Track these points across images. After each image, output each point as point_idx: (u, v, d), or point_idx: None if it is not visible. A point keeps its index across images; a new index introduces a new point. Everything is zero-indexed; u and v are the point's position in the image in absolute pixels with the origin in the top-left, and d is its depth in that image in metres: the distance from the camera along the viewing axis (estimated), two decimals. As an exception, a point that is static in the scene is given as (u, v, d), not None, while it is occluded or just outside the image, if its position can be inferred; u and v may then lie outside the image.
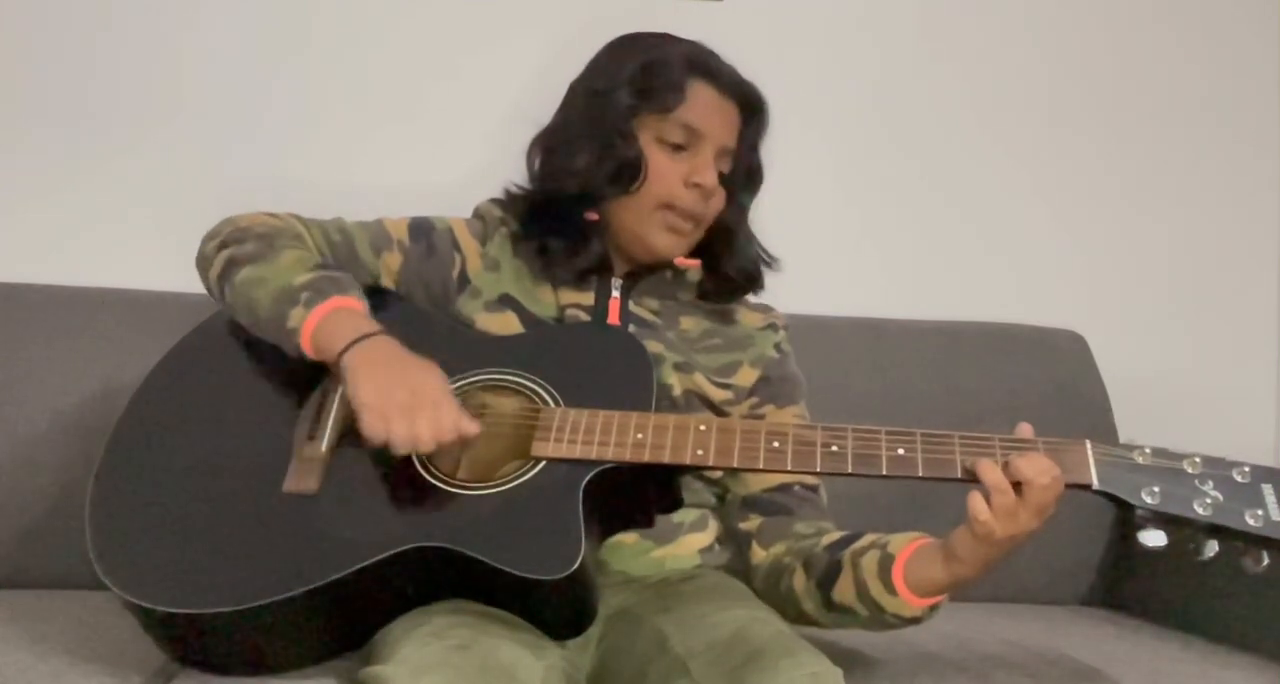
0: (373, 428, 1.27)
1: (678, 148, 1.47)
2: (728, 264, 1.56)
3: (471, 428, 1.29)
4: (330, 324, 1.33)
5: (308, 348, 1.35)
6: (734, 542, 1.52)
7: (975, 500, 1.22)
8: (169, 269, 1.76)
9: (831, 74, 2.22)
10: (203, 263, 1.47)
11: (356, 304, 1.37)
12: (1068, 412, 2.03)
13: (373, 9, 2.11)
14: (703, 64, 1.49)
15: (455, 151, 2.07)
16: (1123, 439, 2.04)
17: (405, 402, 1.27)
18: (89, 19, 2.03)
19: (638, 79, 1.47)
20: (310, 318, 1.34)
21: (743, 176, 1.54)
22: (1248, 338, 2.38)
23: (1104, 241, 2.33)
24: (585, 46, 1.55)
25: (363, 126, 2.10)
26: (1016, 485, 1.21)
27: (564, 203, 1.49)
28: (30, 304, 1.84)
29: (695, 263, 1.56)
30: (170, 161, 2.04)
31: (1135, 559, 1.94)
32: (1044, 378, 2.07)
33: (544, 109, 1.54)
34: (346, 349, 1.31)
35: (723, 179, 1.50)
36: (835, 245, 2.17)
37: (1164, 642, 1.73)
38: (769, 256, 1.58)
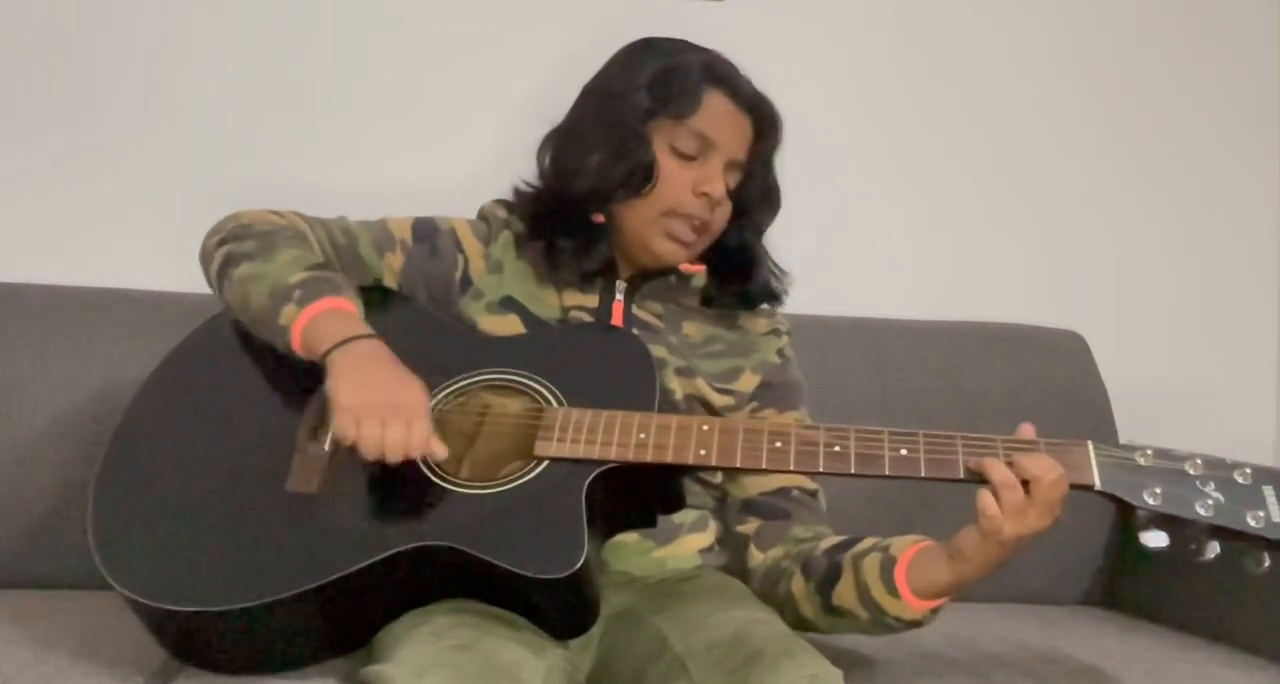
0: (343, 427, 1.27)
1: (689, 156, 1.46)
2: (749, 282, 1.55)
3: (440, 451, 1.28)
4: (321, 324, 1.33)
5: (297, 346, 1.35)
6: (732, 545, 1.52)
7: (984, 497, 1.23)
8: (169, 269, 1.76)
9: (831, 74, 2.23)
10: (204, 257, 1.47)
11: (349, 306, 1.37)
12: (1068, 412, 2.03)
13: (376, 8, 2.11)
14: (720, 74, 1.48)
15: (459, 153, 2.06)
16: (1123, 439, 2.04)
17: (380, 408, 1.26)
18: (90, 17, 2.03)
19: (655, 84, 1.47)
20: (301, 316, 1.34)
21: (759, 195, 1.54)
22: (1248, 338, 2.38)
23: (1104, 242, 2.33)
24: (588, 48, 1.54)
25: (367, 127, 2.10)
26: (1024, 484, 1.22)
27: (572, 202, 1.49)
28: (30, 304, 1.84)
29: (700, 269, 1.55)
30: (172, 161, 2.04)
31: (1135, 559, 1.94)
32: (1044, 378, 2.07)
33: (549, 110, 1.54)
34: (334, 348, 1.31)
35: (731, 192, 1.49)
36: (835, 245, 2.16)
37: (1164, 642, 1.73)
38: (780, 271, 1.58)
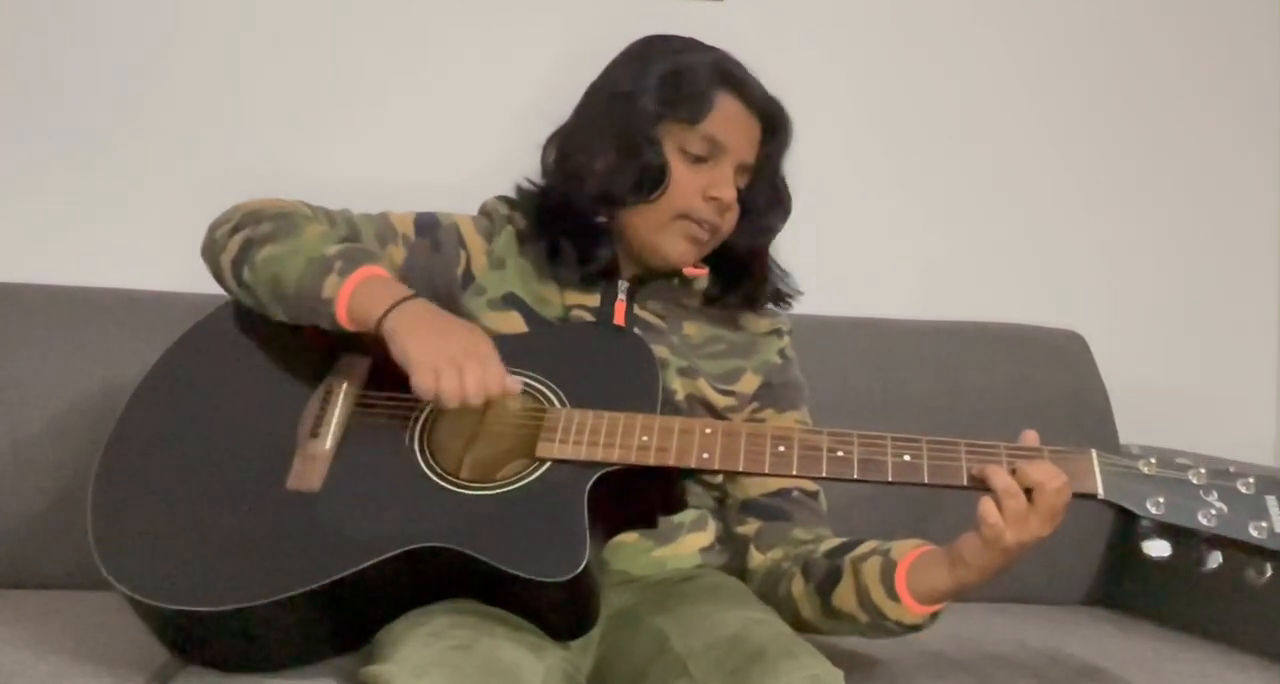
0: (424, 382, 1.27)
1: (699, 159, 1.45)
2: (755, 285, 1.55)
3: (515, 386, 1.31)
4: (366, 290, 1.32)
5: (343, 317, 1.33)
6: (732, 545, 1.52)
7: (986, 504, 1.22)
8: (169, 269, 1.76)
9: (831, 75, 2.22)
10: (212, 249, 1.44)
11: (386, 273, 1.36)
12: (1068, 412, 2.03)
13: (376, 4, 2.10)
14: (731, 76, 1.47)
15: (461, 150, 2.06)
16: (1123, 439, 2.05)
17: (454, 355, 1.27)
18: (85, 14, 2.02)
19: (664, 86, 1.45)
20: (346, 285, 1.32)
21: (766, 197, 1.52)
22: (1248, 338, 2.38)
23: (1104, 242, 2.33)
24: (589, 47, 1.53)
25: (369, 124, 2.09)
26: (1027, 492, 1.22)
27: (578, 204, 1.48)
28: (29, 304, 1.84)
29: (703, 272, 1.55)
30: (173, 161, 2.03)
31: (1135, 559, 1.94)
32: (1044, 378, 2.07)
33: (551, 108, 1.53)
34: (387, 313, 1.30)
35: (739, 195, 1.48)
36: (835, 245, 2.16)
37: (1164, 642, 1.73)
38: (784, 274, 1.58)
